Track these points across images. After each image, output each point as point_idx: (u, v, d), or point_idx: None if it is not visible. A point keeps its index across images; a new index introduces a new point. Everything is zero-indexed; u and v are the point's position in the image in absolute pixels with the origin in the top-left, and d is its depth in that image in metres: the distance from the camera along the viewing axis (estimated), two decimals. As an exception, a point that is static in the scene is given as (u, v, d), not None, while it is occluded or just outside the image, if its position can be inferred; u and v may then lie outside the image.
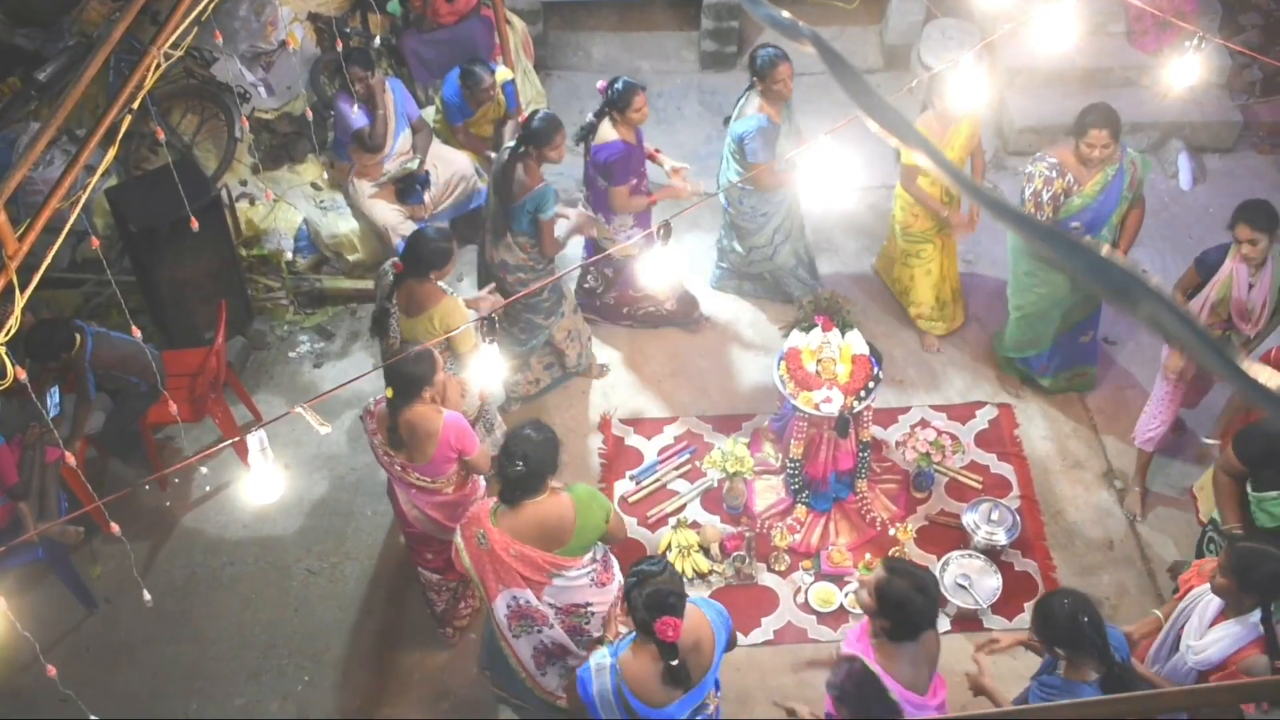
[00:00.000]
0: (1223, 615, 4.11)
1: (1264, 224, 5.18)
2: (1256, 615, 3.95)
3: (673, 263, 4.81)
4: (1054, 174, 5.72)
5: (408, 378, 4.70)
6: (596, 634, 4.57)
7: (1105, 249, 3.58)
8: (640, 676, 3.88)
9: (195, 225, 4.33)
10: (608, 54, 8.85)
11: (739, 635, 5.48)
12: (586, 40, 8.89)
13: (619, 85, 6.11)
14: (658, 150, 6.66)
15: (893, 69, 8.66)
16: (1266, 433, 4.52)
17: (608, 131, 6.19)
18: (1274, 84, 8.52)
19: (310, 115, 6.35)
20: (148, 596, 3.62)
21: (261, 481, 3.64)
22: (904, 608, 3.80)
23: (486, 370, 5.11)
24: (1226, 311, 5.46)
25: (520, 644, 4.53)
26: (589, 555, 4.47)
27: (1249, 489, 4.65)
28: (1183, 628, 4.25)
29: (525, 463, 4.31)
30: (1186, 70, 5.11)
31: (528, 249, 5.94)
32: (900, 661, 3.87)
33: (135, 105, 3.31)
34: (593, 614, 4.51)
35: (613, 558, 4.66)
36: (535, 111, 5.92)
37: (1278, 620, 3.99)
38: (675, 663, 3.83)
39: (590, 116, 6.32)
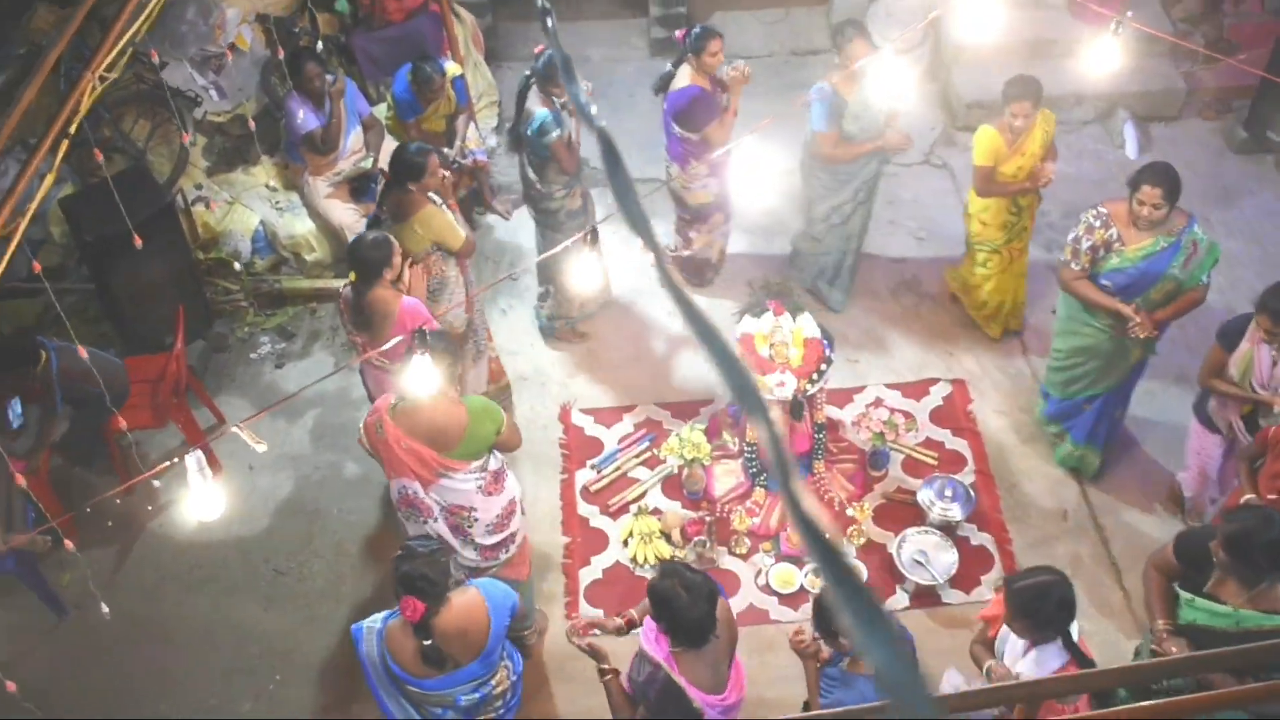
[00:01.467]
0: (1031, 644, 4.07)
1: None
2: (1058, 642, 3.96)
3: (601, 266, 4.90)
4: (1098, 223, 5.33)
5: (366, 261, 5.15)
6: (481, 539, 4.88)
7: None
8: (400, 647, 4.13)
9: (139, 243, 4.34)
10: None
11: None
12: (537, 31, 8.88)
13: (696, 30, 6.30)
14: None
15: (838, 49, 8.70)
16: (1207, 537, 4.16)
17: (684, 78, 6.33)
18: (1217, 49, 8.59)
19: (253, 125, 6.32)
20: (105, 609, 3.67)
21: (201, 500, 3.70)
22: (669, 604, 3.85)
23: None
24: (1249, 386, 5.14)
25: (410, 527, 4.83)
26: (478, 463, 4.75)
27: (1178, 587, 4.29)
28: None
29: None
30: (1108, 54, 5.12)
31: (541, 171, 6.29)
32: (699, 666, 3.94)
33: (73, 130, 3.34)
34: (476, 519, 4.83)
35: (508, 473, 4.94)
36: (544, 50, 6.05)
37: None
38: (428, 643, 4.05)
39: (669, 66, 6.50)
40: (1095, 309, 5.51)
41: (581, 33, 8.96)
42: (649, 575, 5.77)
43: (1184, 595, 4.12)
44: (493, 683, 4.30)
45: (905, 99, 6.54)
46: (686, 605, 3.85)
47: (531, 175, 6.37)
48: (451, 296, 5.81)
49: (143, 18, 5.44)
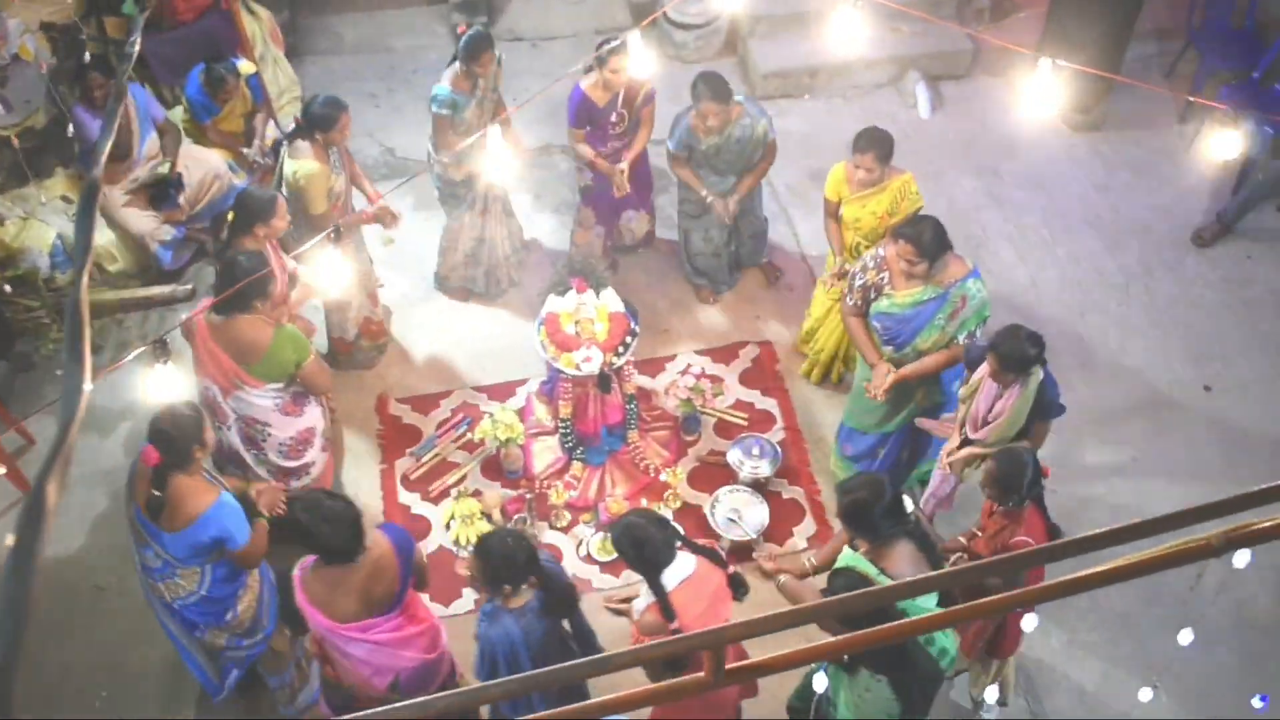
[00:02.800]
0: None
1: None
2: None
3: (345, 268, 4.93)
4: (873, 265, 5.42)
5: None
6: (274, 459, 5.37)
7: None
8: (139, 489, 4.60)
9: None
10: (360, 35, 8.88)
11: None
12: (337, 23, 8.90)
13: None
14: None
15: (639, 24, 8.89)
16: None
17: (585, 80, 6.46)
18: (1001, 9, 9.03)
19: (18, 145, 6.18)
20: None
21: None
22: (308, 537, 4.21)
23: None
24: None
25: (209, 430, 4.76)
26: (276, 385, 5.16)
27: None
28: None
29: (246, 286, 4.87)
30: (848, 27, 5.45)
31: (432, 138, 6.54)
32: (318, 585, 4.29)
33: None
34: (270, 434, 5.29)
35: (313, 404, 5.39)
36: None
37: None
38: (156, 494, 4.49)
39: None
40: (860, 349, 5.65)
41: (383, 22, 8.98)
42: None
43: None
44: (179, 573, 4.66)
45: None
46: (329, 535, 4.18)
47: (428, 143, 6.61)
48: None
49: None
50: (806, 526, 6.11)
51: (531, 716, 2.24)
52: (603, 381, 5.98)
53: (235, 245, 5.45)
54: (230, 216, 5.67)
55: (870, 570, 4.16)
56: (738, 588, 4.45)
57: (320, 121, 5.79)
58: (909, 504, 4.27)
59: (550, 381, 6.36)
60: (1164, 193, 7.97)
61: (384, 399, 6.69)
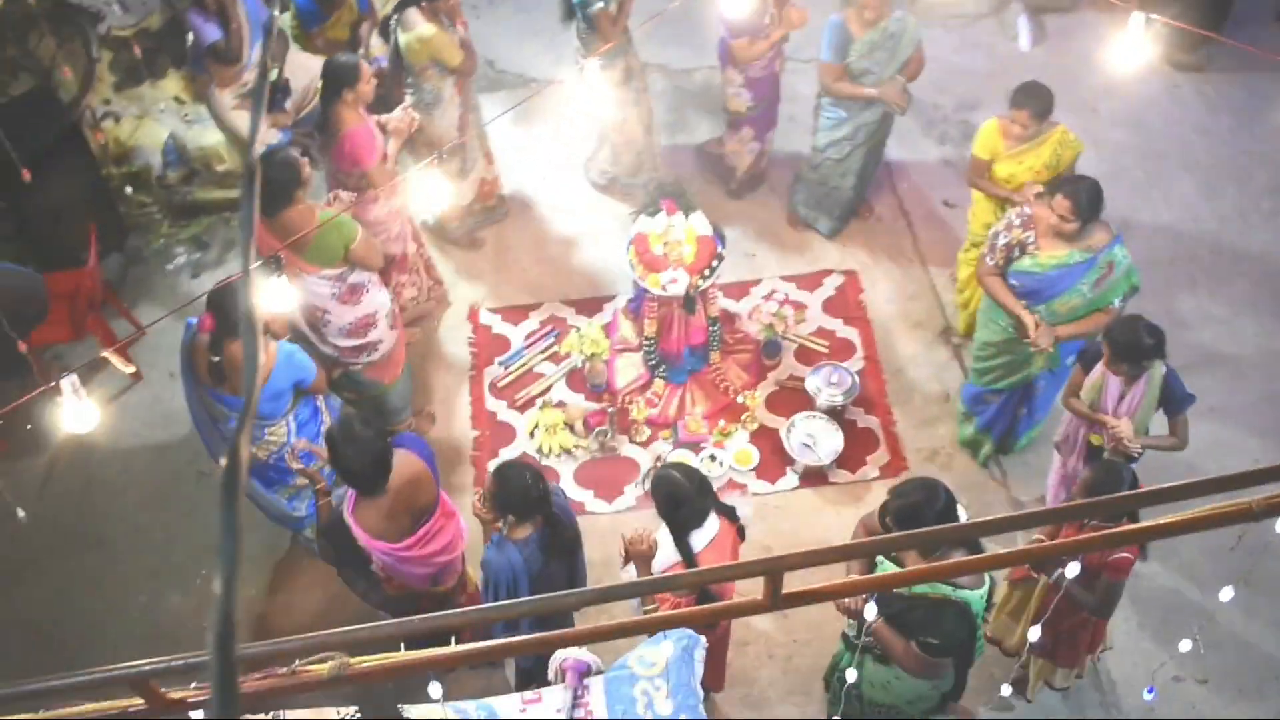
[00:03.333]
0: None
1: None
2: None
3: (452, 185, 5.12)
4: (1018, 223, 5.33)
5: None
6: (335, 340, 5.68)
7: None
8: (198, 358, 4.99)
9: (27, 176, 4.55)
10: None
11: (604, 503, 6.01)
12: (442, -67, 8.97)
13: None
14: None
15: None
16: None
17: None
18: (1112, -60, 8.85)
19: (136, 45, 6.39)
20: (21, 514, 3.97)
21: (76, 415, 3.94)
22: (336, 453, 4.42)
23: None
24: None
25: None
26: (333, 271, 5.45)
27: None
28: None
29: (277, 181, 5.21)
30: None
31: (586, 40, 6.65)
32: (370, 513, 4.47)
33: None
34: (329, 321, 5.62)
35: (371, 290, 5.64)
36: None
37: None
38: (215, 359, 4.92)
39: None
40: (1000, 308, 5.52)
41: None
42: (554, 464, 6.19)
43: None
44: (266, 431, 5.07)
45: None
46: (351, 457, 4.37)
47: (577, 43, 6.73)
48: (444, 113, 6.41)
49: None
50: (880, 456, 6.27)
51: (586, 629, 2.44)
52: (688, 303, 6.14)
53: (330, 114, 5.85)
54: (319, 86, 5.98)
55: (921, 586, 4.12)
56: (741, 534, 4.64)
57: None
58: (963, 513, 4.21)
59: (637, 300, 6.53)
60: (1267, 139, 7.85)
61: (475, 308, 6.92)
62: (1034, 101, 5.66)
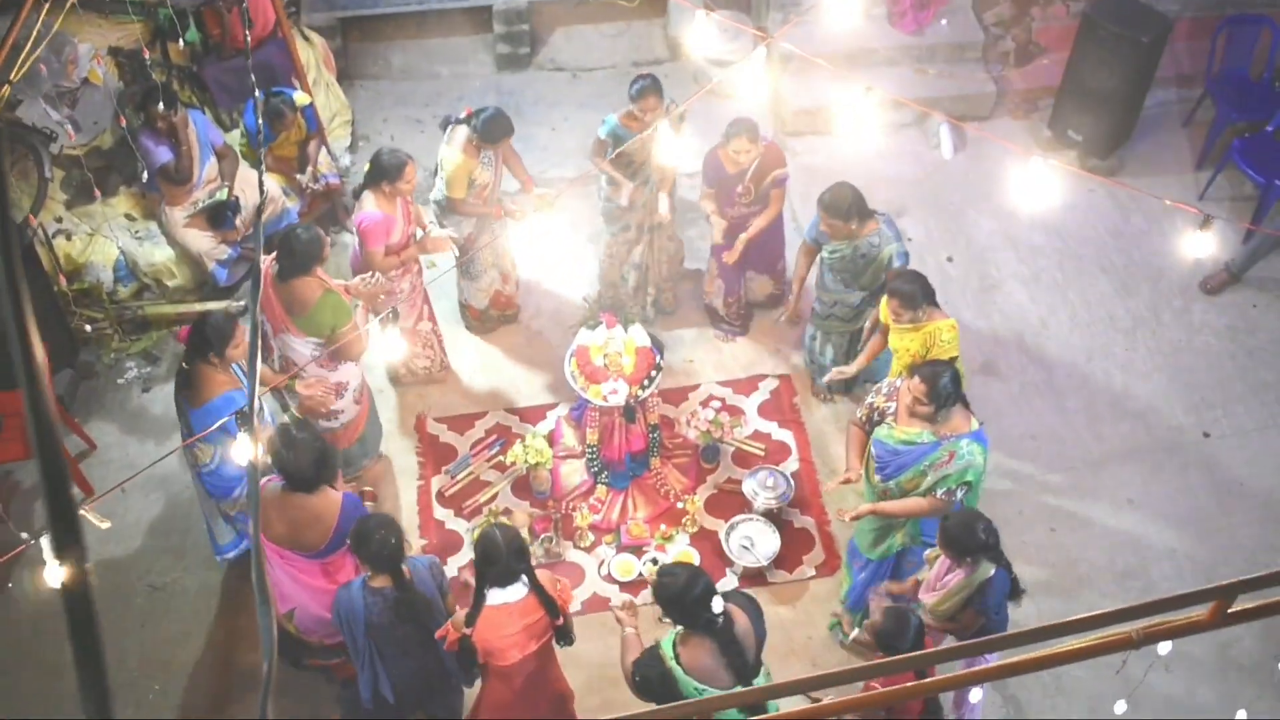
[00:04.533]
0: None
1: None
2: None
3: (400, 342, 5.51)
4: (886, 391, 5.57)
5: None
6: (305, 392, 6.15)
7: None
8: None
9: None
10: (407, 61, 9.36)
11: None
12: (386, 50, 9.39)
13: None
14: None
15: (678, 59, 9.35)
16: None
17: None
18: (1025, 53, 9.40)
19: (86, 164, 6.67)
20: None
21: (55, 573, 4.17)
22: (274, 457, 5.14)
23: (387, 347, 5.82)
24: None
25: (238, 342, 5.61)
26: (316, 340, 6.00)
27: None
28: None
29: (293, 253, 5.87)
30: (862, 119, 5.78)
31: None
32: (267, 499, 5.17)
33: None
34: (303, 377, 6.10)
35: (352, 367, 6.25)
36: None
37: None
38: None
39: None
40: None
41: (430, 50, 9.46)
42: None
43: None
44: (198, 445, 5.55)
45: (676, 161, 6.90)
46: (289, 460, 5.12)
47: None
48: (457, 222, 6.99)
49: (16, 66, 5.96)
50: (816, 555, 6.56)
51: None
52: (628, 412, 6.45)
53: (363, 197, 6.41)
54: (367, 168, 6.48)
55: (668, 653, 4.57)
56: (563, 636, 5.03)
57: (485, 130, 6.67)
58: (719, 605, 4.48)
59: (579, 408, 6.82)
60: (1176, 240, 8.33)
61: (422, 418, 7.18)
62: (898, 294, 5.84)
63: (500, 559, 4.74)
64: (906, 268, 6.19)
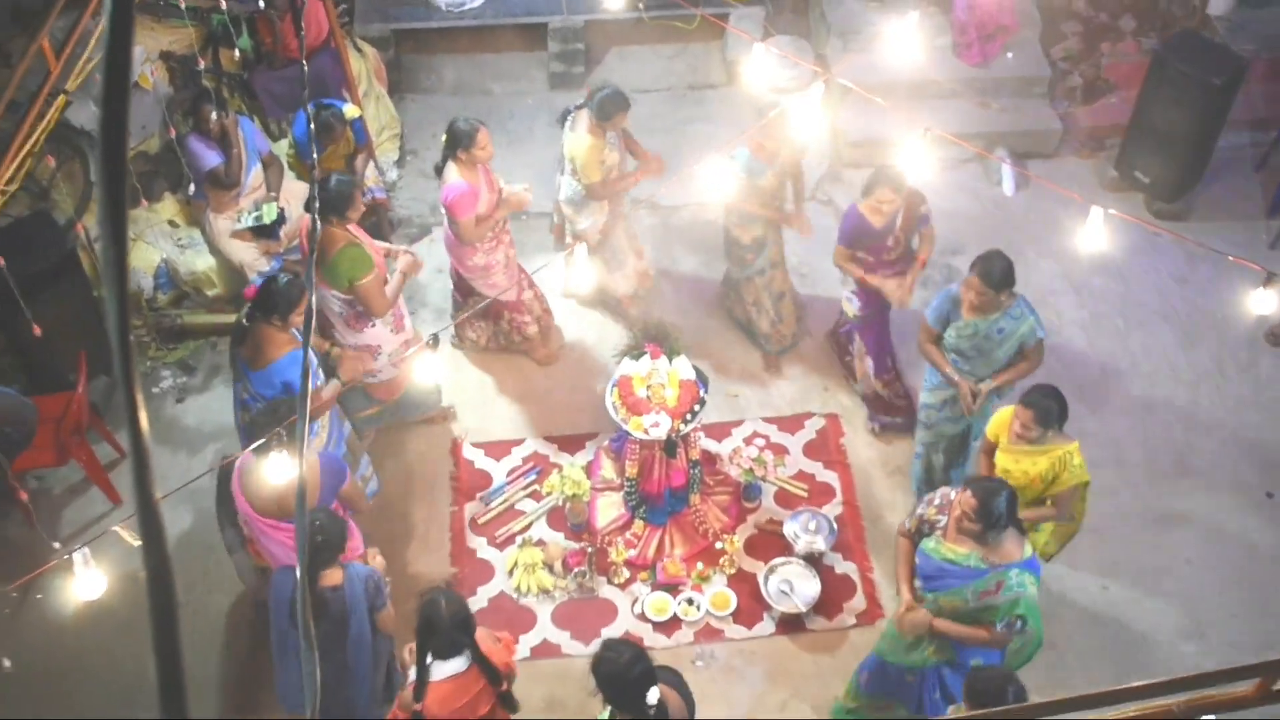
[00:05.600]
0: None
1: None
2: None
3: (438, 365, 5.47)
4: (938, 501, 5.20)
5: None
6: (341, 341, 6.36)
7: None
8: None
9: (38, 332, 4.84)
10: (460, 76, 9.34)
11: (580, 645, 6.12)
12: (439, 64, 9.37)
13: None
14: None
15: (734, 84, 9.25)
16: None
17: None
18: (1093, 90, 9.25)
19: (132, 168, 6.72)
20: (7, 664, 4.12)
21: (86, 585, 4.32)
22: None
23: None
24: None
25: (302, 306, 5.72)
26: (340, 293, 6.17)
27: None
28: None
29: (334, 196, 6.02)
30: (918, 159, 5.42)
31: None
32: (251, 478, 5.27)
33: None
34: (335, 334, 6.39)
35: (377, 324, 6.35)
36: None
37: None
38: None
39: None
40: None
41: (482, 66, 9.43)
42: (531, 604, 6.33)
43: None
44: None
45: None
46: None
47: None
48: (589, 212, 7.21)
49: (74, 73, 5.99)
50: (857, 602, 6.42)
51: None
52: (669, 446, 6.34)
53: (445, 170, 6.59)
54: (444, 139, 6.64)
55: None
56: (507, 702, 4.89)
57: (601, 108, 6.81)
58: (654, 696, 4.30)
59: (619, 440, 6.72)
60: (1244, 289, 8.12)
61: (458, 443, 7.11)
62: (1035, 407, 5.39)
63: (442, 628, 4.61)
64: (1047, 387, 5.50)
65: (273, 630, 5.18)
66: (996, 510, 4.78)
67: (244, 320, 5.77)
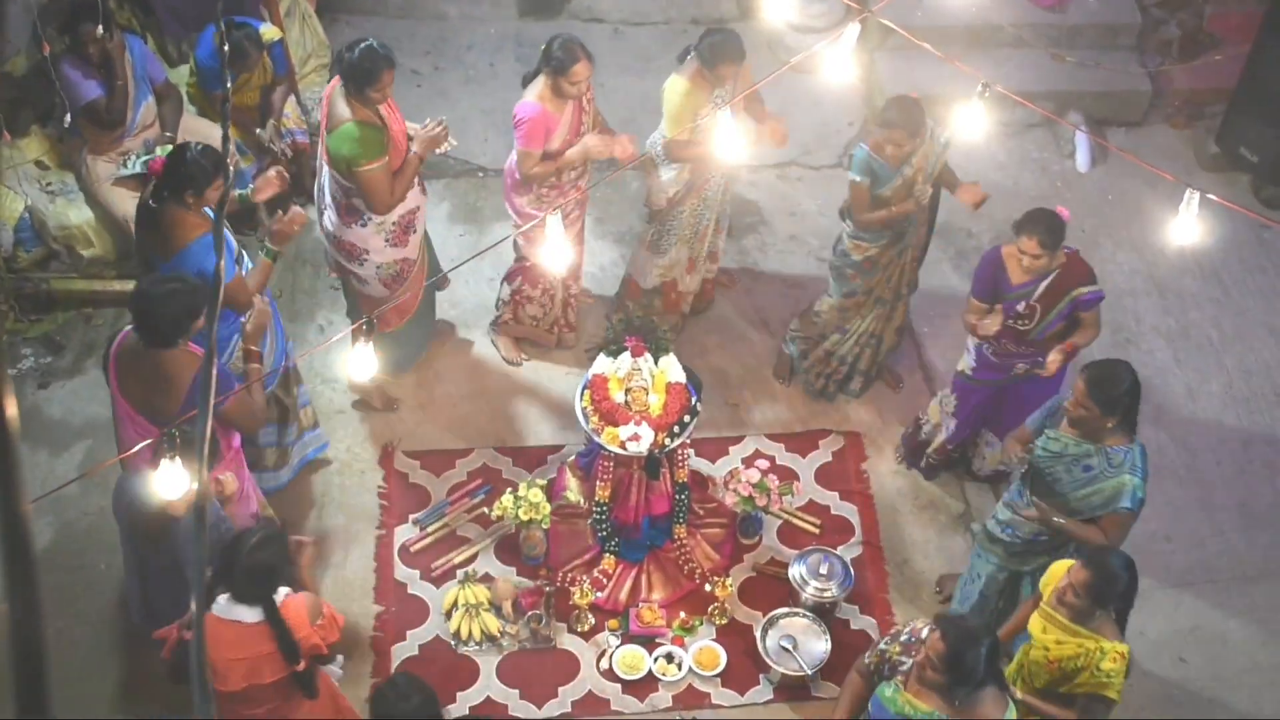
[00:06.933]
0: None
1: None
2: None
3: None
4: (905, 639, 5.03)
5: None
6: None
7: None
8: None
9: None
10: (407, -4, 9.50)
11: (533, 707, 6.28)
12: (381, -23, 9.52)
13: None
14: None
15: (749, 19, 9.43)
16: None
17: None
18: (1194, 44, 9.46)
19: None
20: None
21: None
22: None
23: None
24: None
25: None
26: (338, 176, 6.47)
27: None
28: None
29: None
30: (972, 119, 5.65)
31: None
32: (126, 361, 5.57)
33: None
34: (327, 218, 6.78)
35: (372, 225, 6.62)
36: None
37: None
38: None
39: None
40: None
41: (437, -16, 9.60)
42: (473, 654, 6.47)
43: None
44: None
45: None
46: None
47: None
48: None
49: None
50: (875, 666, 6.58)
51: None
52: (650, 466, 6.48)
53: (530, 84, 6.88)
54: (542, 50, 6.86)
55: None
56: (303, 684, 5.15)
57: (707, 53, 6.82)
58: None
59: (589, 455, 6.87)
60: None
61: (390, 450, 7.26)
62: (1100, 572, 5.16)
63: (238, 565, 4.94)
64: (1120, 554, 5.33)
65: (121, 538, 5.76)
66: (969, 663, 4.61)
67: (150, 201, 5.99)
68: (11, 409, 1.20)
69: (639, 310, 7.43)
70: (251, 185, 6.53)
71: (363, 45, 6.28)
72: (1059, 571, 5.38)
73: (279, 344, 6.51)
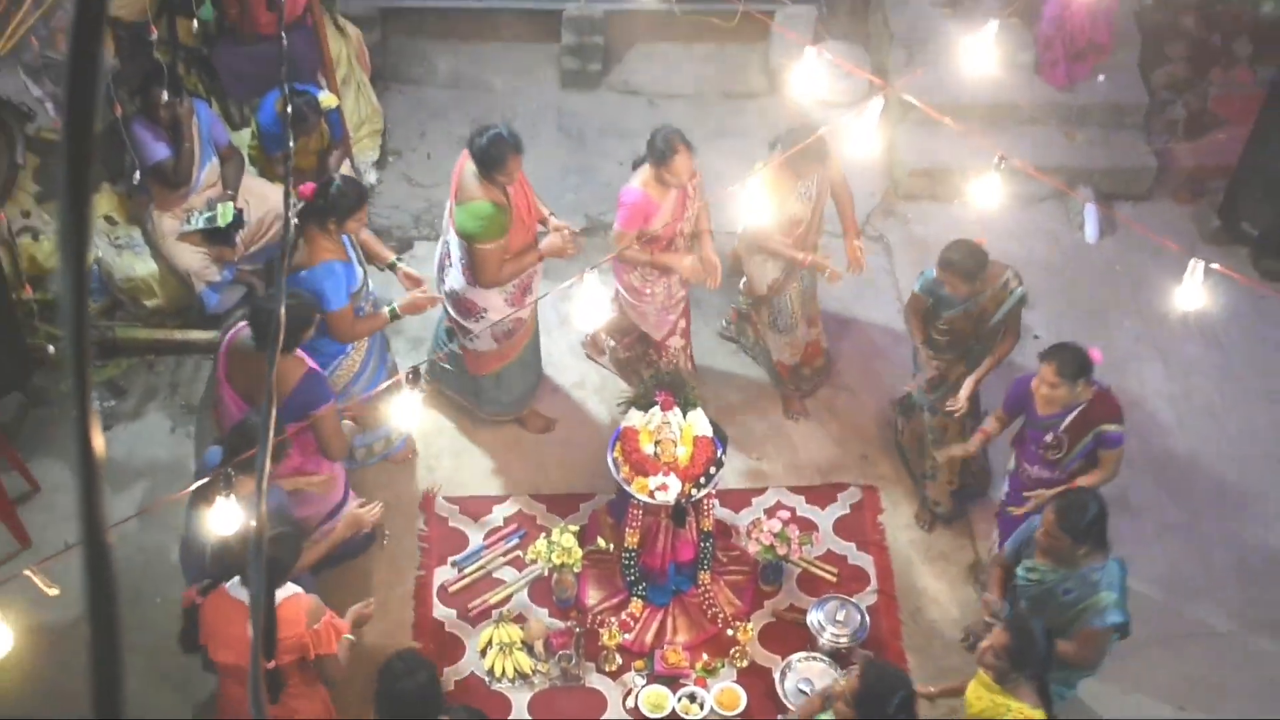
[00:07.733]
0: None
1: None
2: None
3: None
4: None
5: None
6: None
7: None
8: None
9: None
10: (456, 67, 9.67)
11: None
12: (432, 51, 9.69)
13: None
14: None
15: (777, 93, 9.55)
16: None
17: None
18: (1198, 124, 9.54)
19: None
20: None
21: None
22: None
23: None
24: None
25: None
26: (457, 241, 6.71)
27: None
28: None
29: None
30: (988, 190, 5.80)
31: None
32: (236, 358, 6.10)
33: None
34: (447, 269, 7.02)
35: (493, 294, 6.85)
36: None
37: None
38: None
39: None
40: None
41: (483, 56, 9.76)
42: (506, 690, 6.53)
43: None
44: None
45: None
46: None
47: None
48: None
49: (5, 36, 6.26)
50: (888, 710, 6.62)
51: None
52: (677, 515, 6.57)
53: (637, 171, 7.00)
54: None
55: None
56: (272, 681, 5.33)
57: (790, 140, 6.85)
58: None
59: (619, 503, 6.95)
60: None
61: (430, 496, 7.36)
62: (1021, 640, 5.18)
63: (240, 555, 5.17)
64: (1039, 619, 5.36)
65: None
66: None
67: (294, 219, 6.30)
68: (99, 441, 1.26)
69: (793, 383, 7.79)
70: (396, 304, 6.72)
71: (491, 132, 6.43)
72: None
73: (380, 369, 6.99)
